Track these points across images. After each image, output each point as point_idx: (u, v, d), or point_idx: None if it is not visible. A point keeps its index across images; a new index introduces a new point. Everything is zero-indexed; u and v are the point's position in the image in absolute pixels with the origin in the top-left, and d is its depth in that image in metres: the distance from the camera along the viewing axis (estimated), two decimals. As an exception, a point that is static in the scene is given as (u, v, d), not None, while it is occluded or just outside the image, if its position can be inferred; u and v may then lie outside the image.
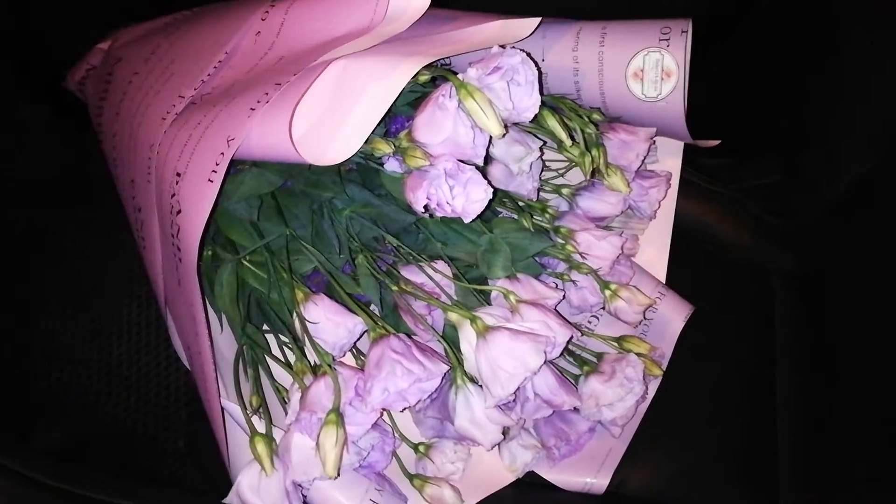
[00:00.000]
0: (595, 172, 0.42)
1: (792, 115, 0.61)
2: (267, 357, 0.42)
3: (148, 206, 0.44)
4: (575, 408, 0.45)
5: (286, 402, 0.40)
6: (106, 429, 0.62)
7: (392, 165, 0.37)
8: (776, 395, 0.58)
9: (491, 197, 0.34)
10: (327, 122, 0.33)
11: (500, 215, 0.47)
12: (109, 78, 0.56)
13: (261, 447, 0.35)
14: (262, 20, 0.43)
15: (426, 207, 0.34)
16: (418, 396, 0.35)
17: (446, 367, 0.36)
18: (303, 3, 0.41)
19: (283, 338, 0.44)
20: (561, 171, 0.51)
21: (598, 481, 0.47)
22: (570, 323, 0.40)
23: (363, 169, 0.45)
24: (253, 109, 0.34)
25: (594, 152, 0.41)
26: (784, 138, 0.63)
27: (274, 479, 0.35)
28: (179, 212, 0.36)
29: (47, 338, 0.59)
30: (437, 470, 0.43)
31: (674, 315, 0.51)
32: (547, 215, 0.48)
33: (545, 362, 0.41)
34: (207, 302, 0.45)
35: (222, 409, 0.38)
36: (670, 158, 0.54)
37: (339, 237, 0.45)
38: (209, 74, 0.43)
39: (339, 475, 0.33)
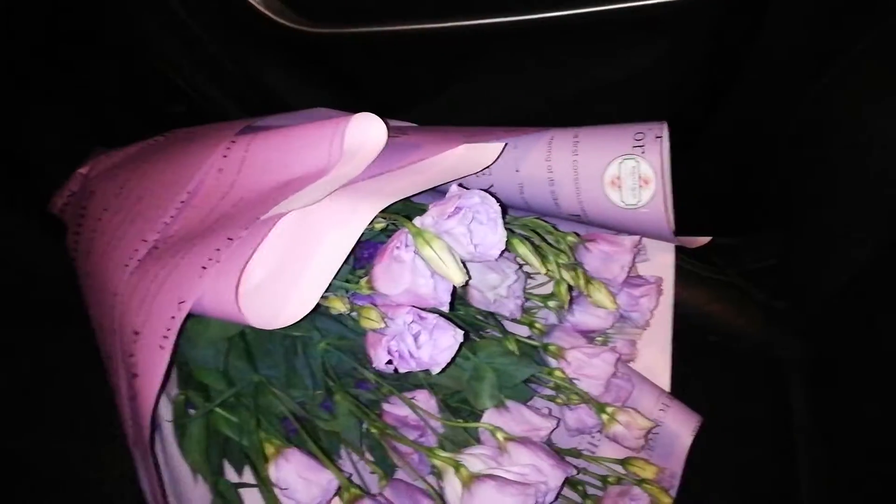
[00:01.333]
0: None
1: (785, 198, 0.59)
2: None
3: (114, 356, 0.42)
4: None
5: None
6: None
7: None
8: (801, 489, 0.54)
9: (462, 340, 0.32)
10: (280, 281, 0.31)
11: (485, 334, 0.45)
12: (83, 212, 0.55)
13: None
14: (224, 157, 0.42)
15: (390, 362, 0.32)
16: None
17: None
18: (263, 140, 0.40)
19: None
20: (546, 283, 0.48)
21: None
22: (564, 461, 0.37)
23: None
24: (204, 268, 0.32)
25: (570, 276, 0.39)
26: (780, 219, 0.61)
27: None
28: (136, 375, 0.34)
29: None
30: None
31: (681, 429, 0.48)
32: (535, 330, 0.46)
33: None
34: (180, 451, 0.43)
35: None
36: (662, 254, 0.51)
37: (315, 374, 0.42)
38: (172, 216, 0.42)
39: None
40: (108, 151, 0.63)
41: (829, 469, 0.54)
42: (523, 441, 0.37)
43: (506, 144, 0.38)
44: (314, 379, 0.42)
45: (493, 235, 0.31)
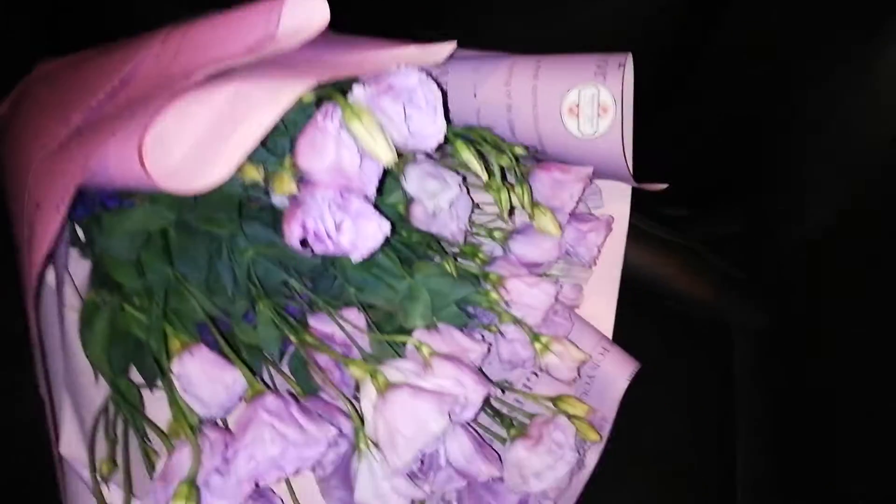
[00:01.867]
0: (513, 212, 0.38)
1: (751, 160, 0.58)
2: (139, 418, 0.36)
3: (23, 248, 0.39)
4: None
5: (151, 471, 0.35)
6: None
7: (279, 199, 0.33)
8: (736, 457, 0.54)
9: (388, 234, 0.30)
10: (203, 149, 0.29)
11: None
12: (13, 112, 0.52)
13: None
14: (162, 43, 0.40)
15: (304, 243, 0.30)
16: (297, 465, 0.30)
17: (333, 431, 0.31)
18: (201, 24, 0.38)
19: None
20: (497, 215, 0.47)
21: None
22: (490, 380, 0.35)
23: (270, 206, 0.41)
24: (113, 133, 0.30)
25: (518, 190, 0.37)
26: (745, 183, 0.60)
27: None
28: (31, 243, 0.31)
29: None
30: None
31: (617, 373, 0.46)
32: (478, 260, 0.44)
33: (460, 425, 0.36)
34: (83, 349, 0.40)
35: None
36: (617, 204, 0.50)
37: (238, 280, 0.40)
38: (100, 100, 0.39)
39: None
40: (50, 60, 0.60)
41: (767, 433, 0.54)
42: (448, 357, 0.35)
43: (456, 47, 0.36)
44: (236, 285, 0.40)
45: (431, 125, 0.29)
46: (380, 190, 0.36)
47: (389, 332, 0.42)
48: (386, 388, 0.32)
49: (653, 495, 0.48)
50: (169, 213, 0.40)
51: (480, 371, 0.37)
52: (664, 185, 0.49)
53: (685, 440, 0.52)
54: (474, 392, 0.34)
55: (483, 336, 0.41)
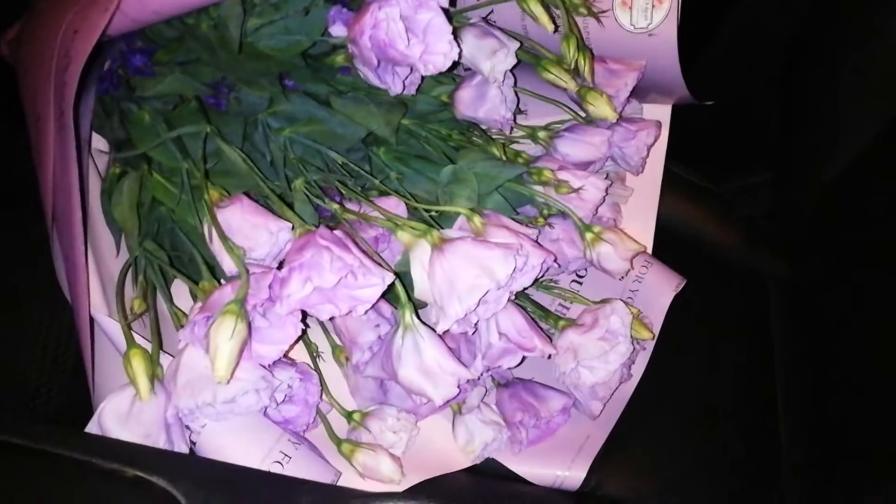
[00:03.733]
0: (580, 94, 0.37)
1: (784, 104, 0.57)
2: (165, 277, 0.33)
3: (45, 99, 0.36)
4: (549, 384, 0.37)
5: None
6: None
7: (338, 29, 0.30)
8: (776, 403, 0.51)
9: (457, 57, 0.28)
10: None
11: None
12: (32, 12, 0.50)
13: (137, 363, 0.27)
14: None
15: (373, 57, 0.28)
16: (350, 305, 0.27)
17: (391, 276, 0.29)
18: None
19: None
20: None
21: (572, 474, 0.38)
22: (546, 248, 0.33)
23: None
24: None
25: (578, 54, 0.35)
26: (778, 121, 0.58)
27: (150, 406, 0.26)
28: (67, 66, 0.29)
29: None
30: (375, 439, 0.34)
31: (662, 286, 0.44)
32: (521, 160, 0.42)
33: (512, 302, 0.33)
34: (106, 223, 0.37)
35: (92, 322, 0.29)
36: (658, 110, 0.48)
37: (274, 159, 0.38)
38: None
39: (231, 383, 0.24)
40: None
41: (803, 399, 0.52)
42: (502, 226, 0.33)
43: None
44: (272, 164, 0.38)
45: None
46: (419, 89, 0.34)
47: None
48: (442, 241, 0.30)
49: (693, 428, 0.45)
50: (201, 86, 0.38)
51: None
52: (710, 102, 0.48)
53: (725, 381, 0.49)
54: (534, 255, 0.31)
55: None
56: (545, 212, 0.39)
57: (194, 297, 0.33)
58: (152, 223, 0.37)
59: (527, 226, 0.38)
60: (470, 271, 0.28)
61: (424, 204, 0.39)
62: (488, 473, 0.38)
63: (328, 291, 0.27)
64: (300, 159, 0.38)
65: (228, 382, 0.24)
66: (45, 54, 0.39)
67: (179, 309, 0.33)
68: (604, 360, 0.35)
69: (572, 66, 0.36)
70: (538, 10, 0.33)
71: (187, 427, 0.28)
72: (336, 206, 0.35)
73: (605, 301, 0.38)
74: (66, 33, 0.33)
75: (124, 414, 0.26)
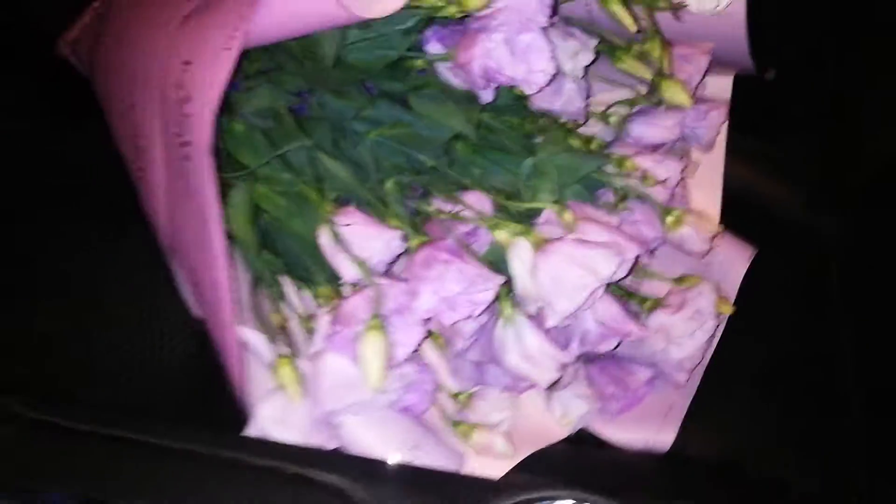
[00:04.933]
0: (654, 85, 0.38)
1: (839, 61, 0.57)
2: (286, 286, 0.36)
3: (151, 121, 0.39)
4: (635, 357, 0.40)
5: (310, 333, 0.34)
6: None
7: (434, 47, 0.32)
8: (842, 366, 0.53)
9: (554, 71, 0.30)
10: None
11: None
12: (105, 13, 0.51)
13: (286, 371, 0.30)
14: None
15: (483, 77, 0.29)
16: (469, 310, 0.30)
17: (502, 278, 0.31)
18: None
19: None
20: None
21: (661, 438, 0.41)
22: (637, 239, 0.35)
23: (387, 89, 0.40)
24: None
25: (651, 45, 0.36)
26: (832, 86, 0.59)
27: (301, 408, 0.29)
28: (188, 98, 0.31)
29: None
30: (481, 419, 0.37)
31: (735, 257, 0.46)
32: (594, 145, 0.44)
33: (604, 290, 0.36)
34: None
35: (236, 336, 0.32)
36: (720, 82, 0.49)
37: (362, 163, 0.40)
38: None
39: (380, 394, 0.27)
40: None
41: (863, 342, 0.53)
42: (591, 220, 0.35)
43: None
44: (360, 167, 0.40)
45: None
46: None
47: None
48: (544, 242, 0.32)
49: (765, 391, 0.47)
50: (291, 97, 0.39)
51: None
52: (774, 72, 0.48)
53: (787, 348, 0.51)
54: (628, 249, 0.33)
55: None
56: (623, 195, 0.41)
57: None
58: (258, 232, 0.40)
59: (608, 213, 0.40)
60: (575, 271, 0.31)
61: (506, 197, 0.41)
62: (581, 441, 0.41)
63: (450, 299, 0.29)
64: (388, 161, 0.40)
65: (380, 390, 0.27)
66: (145, 78, 0.41)
67: (303, 314, 0.35)
68: (692, 337, 0.37)
69: (658, 66, 0.37)
70: (621, 12, 0.34)
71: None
72: (432, 208, 0.37)
73: (687, 280, 0.40)
74: (171, 60, 0.35)
75: (279, 417, 0.29)
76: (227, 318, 0.30)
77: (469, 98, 0.42)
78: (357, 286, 0.32)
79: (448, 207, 0.38)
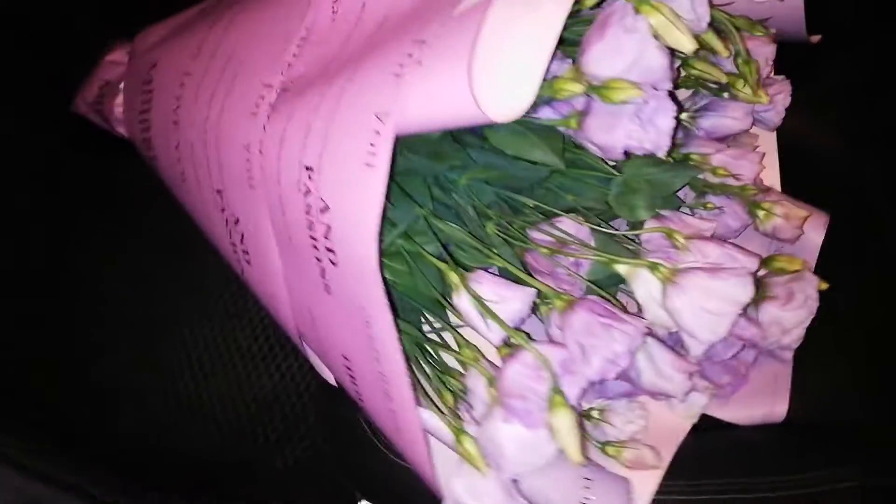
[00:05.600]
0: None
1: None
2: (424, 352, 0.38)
3: (253, 213, 0.39)
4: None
5: (459, 397, 0.37)
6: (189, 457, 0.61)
7: (545, 112, 0.33)
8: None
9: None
10: (508, 67, 0.28)
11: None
12: (149, 87, 0.51)
13: (470, 446, 0.32)
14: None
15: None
16: (627, 360, 0.32)
17: (646, 323, 0.33)
18: None
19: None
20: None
21: (777, 409, 0.45)
22: (749, 251, 0.37)
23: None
24: (398, 75, 0.30)
25: (746, 69, 0.37)
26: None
27: (490, 478, 0.32)
28: (326, 208, 0.32)
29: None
30: (620, 432, 0.40)
31: (812, 226, 0.48)
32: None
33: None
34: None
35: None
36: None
37: (466, 208, 0.41)
38: (294, 55, 0.39)
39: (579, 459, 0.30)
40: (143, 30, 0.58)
41: None
42: (702, 238, 0.37)
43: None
44: (458, 216, 0.41)
45: (701, 6, 0.30)
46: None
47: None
48: (674, 275, 0.34)
49: (843, 348, 0.50)
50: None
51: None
52: (818, 37, 0.49)
53: (853, 307, 0.53)
54: (749, 262, 0.36)
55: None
56: (707, 192, 0.42)
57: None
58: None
59: (702, 217, 0.42)
60: (714, 303, 0.33)
61: (597, 214, 0.43)
62: (701, 427, 0.44)
63: (615, 357, 0.31)
64: (485, 204, 0.41)
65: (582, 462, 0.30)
66: (224, 159, 0.41)
67: (447, 379, 0.37)
68: (802, 324, 0.40)
69: (753, 88, 0.38)
70: (718, 45, 0.35)
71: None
72: (545, 249, 0.38)
73: (776, 260, 0.42)
74: (281, 158, 0.35)
75: (473, 489, 0.32)
76: (409, 403, 0.32)
77: (547, 127, 0.43)
78: (509, 348, 0.34)
79: (547, 240, 0.40)
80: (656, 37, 0.29)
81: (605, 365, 0.31)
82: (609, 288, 0.41)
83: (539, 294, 0.35)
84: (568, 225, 0.40)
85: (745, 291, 0.33)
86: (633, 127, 0.30)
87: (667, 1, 0.29)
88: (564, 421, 0.29)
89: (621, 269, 0.36)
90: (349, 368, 0.36)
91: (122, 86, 0.58)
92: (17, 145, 0.69)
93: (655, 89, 0.29)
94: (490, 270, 0.37)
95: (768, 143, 0.51)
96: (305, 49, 0.38)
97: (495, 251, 0.39)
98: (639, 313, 0.36)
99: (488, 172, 0.41)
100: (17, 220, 0.66)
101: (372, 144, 0.29)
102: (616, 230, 0.40)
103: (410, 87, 0.29)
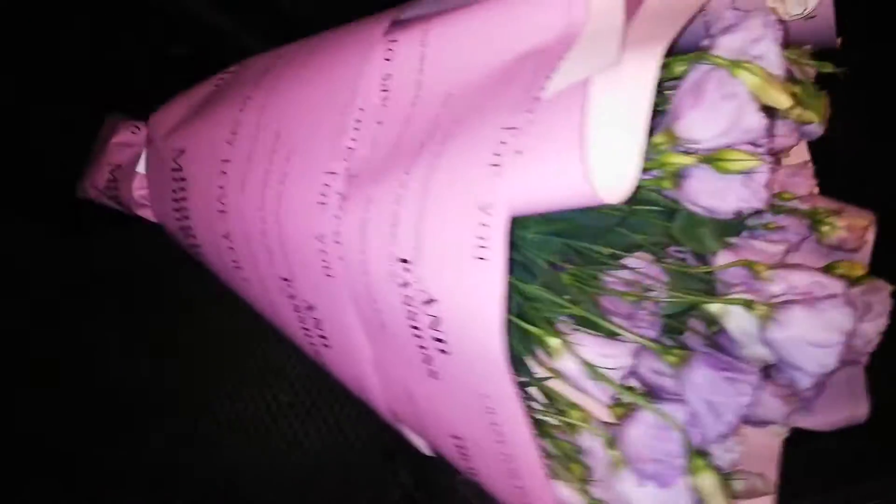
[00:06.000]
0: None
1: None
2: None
3: (333, 301, 0.39)
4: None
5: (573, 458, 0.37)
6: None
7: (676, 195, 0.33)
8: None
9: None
10: (593, 147, 0.28)
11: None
12: (180, 174, 0.49)
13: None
14: (388, 60, 0.38)
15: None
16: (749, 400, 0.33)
17: (757, 364, 0.34)
18: (447, 26, 0.36)
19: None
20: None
21: (859, 411, 0.46)
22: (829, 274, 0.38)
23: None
24: (496, 166, 0.29)
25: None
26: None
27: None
28: (431, 301, 0.31)
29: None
30: (721, 462, 0.41)
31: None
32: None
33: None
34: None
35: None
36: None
37: (537, 262, 0.41)
38: (353, 139, 0.38)
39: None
40: (158, 109, 0.56)
41: None
42: (787, 267, 0.38)
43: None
44: (529, 270, 0.41)
45: (778, 58, 0.30)
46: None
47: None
48: (772, 311, 0.35)
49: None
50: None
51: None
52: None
53: None
54: (834, 286, 0.36)
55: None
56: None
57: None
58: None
59: (769, 239, 0.43)
60: (819, 335, 0.33)
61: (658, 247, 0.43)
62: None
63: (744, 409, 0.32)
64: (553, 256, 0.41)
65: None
66: (291, 249, 0.40)
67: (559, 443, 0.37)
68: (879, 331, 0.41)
69: (824, 121, 0.38)
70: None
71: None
72: (630, 295, 0.39)
73: (833, 271, 0.43)
74: (368, 259, 0.34)
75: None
76: (542, 482, 0.32)
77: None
78: (623, 407, 0.34)
79: (621, 283, 0.40)
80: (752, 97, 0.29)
81: (737, 419, 0.31)
82: (681, 322, 0.41)
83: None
84: (638, 264, 0.41)
85: (848, 319, 0.33)
86: (744, 191, 0.30)
87: (761, 58, 0.29)
88: (710, 482, 0.30)
89: (713, 308, 0.37)
90: (461, 447, 0.36)
91: (138, 169, 0.57)
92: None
93: (755, 146, 0.30)
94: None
95: (800, 147, 0.52)
96: (363, 132, 0.38)
97: (575, 302, 0.40)
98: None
99: (555, 224, 0.41)
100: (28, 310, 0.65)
101: (481, 238, 0.29)
102: (686, 264, 0.41)
103: (513, 177, 0.29)
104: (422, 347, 0.33)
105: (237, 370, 0.66)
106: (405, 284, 0.33)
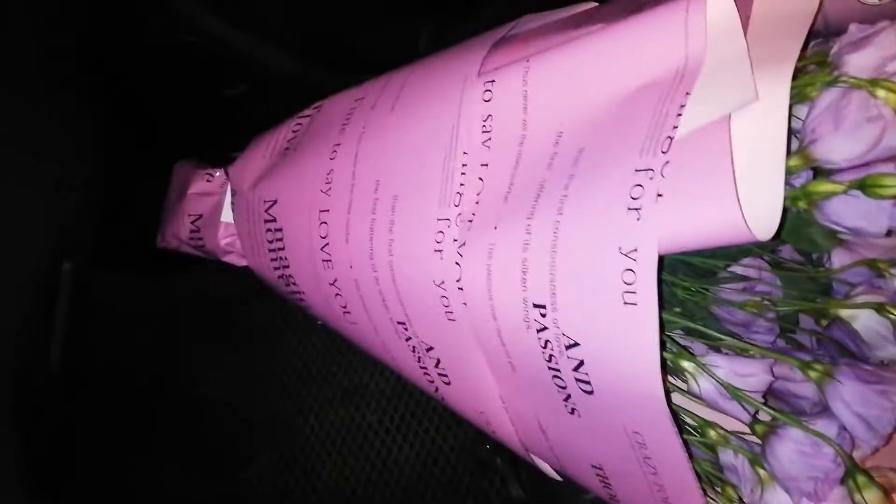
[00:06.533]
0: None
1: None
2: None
3: (456, 343, 0.39)
4: None
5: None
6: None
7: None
8: None
9: None
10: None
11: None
12: (274, 225, 0.50)
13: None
14: (487, 101, 0.38)
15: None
16: None
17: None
18: (549, 62, 0.36)
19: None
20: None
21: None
22: None
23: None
24: (636, 210, 0.29)
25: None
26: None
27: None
28: (574, 345, 0.32)
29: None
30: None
31: None
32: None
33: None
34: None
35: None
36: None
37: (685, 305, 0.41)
38: (462, 185, 0.38)
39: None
40: (231, 156, 0.57)
41: None
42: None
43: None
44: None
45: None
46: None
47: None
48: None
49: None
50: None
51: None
52: None
53: None
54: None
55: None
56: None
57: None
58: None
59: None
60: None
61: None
62: None
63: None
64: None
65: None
66: (405, 296, 0.41)
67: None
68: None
69: None
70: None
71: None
72: (752, 306, 0.39)
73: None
74: (497, 307, 0.35)
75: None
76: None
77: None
78: (765, 425, 0.34)
79: (734, 294, 0.40)
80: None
81: (892, 429, 0.31)
82: (793, 322, 0.41)
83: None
84: (749, 271, 0.40)
85: None
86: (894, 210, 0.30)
87: (893, 76, 0.29)
88: (877, 499, 0.30)
89: (844, 313, 0.37)
90: (603, 477, 0.37)
91: (222, 218, 0.58)
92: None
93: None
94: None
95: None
96: (469, 175, 0.38)
97: (689, 316, 0.40)
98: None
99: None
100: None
101: (628, 283, 0.29)
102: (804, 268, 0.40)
103: (657, 220, 0.29)
104: (561, 388, 0.34)
105: (321, 393, 0.68)
106: (542, 329, 0.33)
